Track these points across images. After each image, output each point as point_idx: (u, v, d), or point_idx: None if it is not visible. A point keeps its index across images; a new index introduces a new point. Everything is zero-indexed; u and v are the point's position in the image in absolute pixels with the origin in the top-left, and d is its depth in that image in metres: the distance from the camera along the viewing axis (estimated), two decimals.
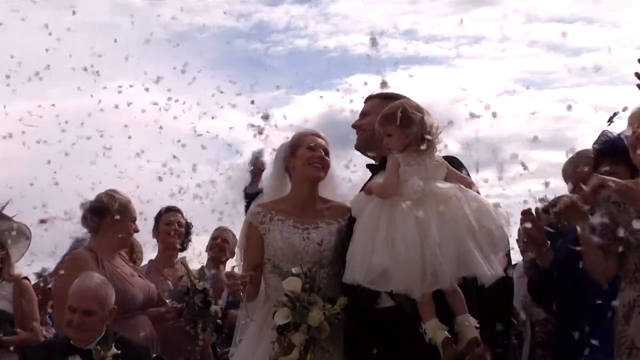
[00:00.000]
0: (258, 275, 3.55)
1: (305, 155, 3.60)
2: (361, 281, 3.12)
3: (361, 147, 3.78)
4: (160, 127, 4.81)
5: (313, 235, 3.52)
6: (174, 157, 4.72)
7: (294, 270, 3.27)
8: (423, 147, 3.28)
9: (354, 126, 3.82)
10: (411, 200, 3.16)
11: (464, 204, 3.18)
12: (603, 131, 3.71)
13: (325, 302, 3.23)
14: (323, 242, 3.48)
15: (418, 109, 3.34)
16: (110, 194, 4.59)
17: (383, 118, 3.36)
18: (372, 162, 3.77)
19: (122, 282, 4.32)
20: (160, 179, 4.76)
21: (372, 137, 3.59)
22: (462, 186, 3.30)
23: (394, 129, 3.31)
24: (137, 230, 4.68)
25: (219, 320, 4.67)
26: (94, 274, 4.06)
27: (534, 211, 3.51)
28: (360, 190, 3.61)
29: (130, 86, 4.86)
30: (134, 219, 4.64)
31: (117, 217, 4.49)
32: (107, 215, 4.52)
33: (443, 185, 3.24)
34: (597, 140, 3.75)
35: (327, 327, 3.18)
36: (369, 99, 3.86)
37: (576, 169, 4.04)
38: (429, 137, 3.29)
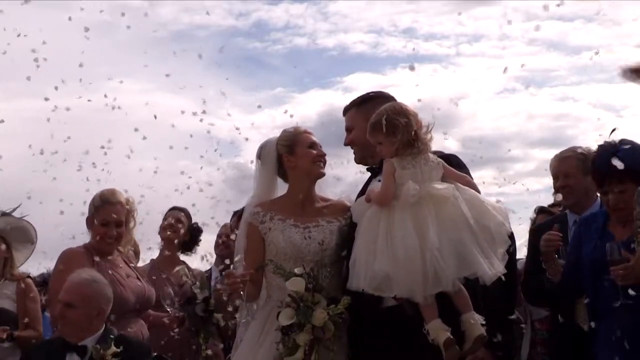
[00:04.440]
0: (260, 275, 3.55)
1: (310, 154, 3.62)
2: (365, 288, 3.14)
3: (361, 162, 3.80)
4: (160, 127, 4.80)
5: (314, 233, 3.53)
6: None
7: (296, 270, 3.28)
8: (415, 150, 3.28)
9: (346, 144, 3.83)
10: (408, 204, 3.17)
11: (461, 203, 3.20)
12: (600, 146, 3.73)
13: (328, 302, 3.24)
14: (324, 242, 3.47)
15: (402, 112, 3.31)
16: (101, 192, 4.55)
17: (371, 128, 3.37)
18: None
19: (113, 283, 4.26)
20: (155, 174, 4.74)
21: (366, 148, 3.62)
22: (460, 185, 3.30)
23: (381, 137, 3.32)
24: (105, 234, 4.46)
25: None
26: (91, 271, 4.08)
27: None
28: (360, 192, 3.62)
29: (120, 83, 4.84)
30: (104, 222, 4.45)
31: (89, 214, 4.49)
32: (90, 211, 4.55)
33: (439, 186, 3.25)
34: (596, 154, 3.75)
35: (331, 327, 3.20)
36: (346, 111, 3.86)
37: (559, 161, 4.19)
38: (416, 139, 3.29)
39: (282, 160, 3.67)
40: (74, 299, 3.83)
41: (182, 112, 4.49)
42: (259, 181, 3.76)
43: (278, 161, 3.68)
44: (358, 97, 3.83)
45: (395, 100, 3.64)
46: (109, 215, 4.48)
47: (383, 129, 3.28)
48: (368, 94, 3.84)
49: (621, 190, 3.59)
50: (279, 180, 3.76)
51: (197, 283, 4.81)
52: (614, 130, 3.72)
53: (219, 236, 5.79)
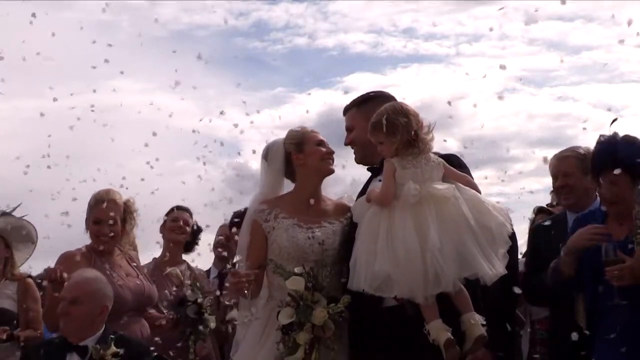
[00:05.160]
0: (262, 273, 3.55)
1: (319, 151, 3.64)
2: (366, 288, 3.13)
3: (361, 161, 3.81)
4: (158, 126, 4.79)
5: (317, 234, 3.52)
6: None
7: (296, 269, 3.28)
8: (415, 150, 3.28)
9: (347, 144, 3.84)
10: (409, 204, 3.17)
11: (462, 203, 3.20)
12: (600, 136, 3.71)
13: (328, 301, 3.24)
14: (325, 242, 3.47)
15: (403, 112, 3.31)
16: (97, 191, 4.58)
17: (371, 127, 3.37)
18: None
19: (111, 282, 4.26)
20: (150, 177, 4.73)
21: (367, 148, 3.62)
22: (461, 185, 3.30)
23: (382, 137, 3.32)
24: (99, 232, 4.52)
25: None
26: (92, 270, 4.10)
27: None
28: (360, 192, 3.62)
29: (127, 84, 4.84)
30: (96, 220, 4.51)
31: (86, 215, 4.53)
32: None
33: (440, 186, 3.24)
34: (595, 147, 3.72)
35: (331, 326, 3.20)
36: (346, 111, 3.87)
37: (558, 160, 4.18)
38: (417, 139, 3.29)
39: (291, 159, 3.67)
40: (80, 295, 3.83)
41: (183, 112, 4.49)
42: (265, 181, 3.76)
43: (286, 160, 3.69)
44: (358, 97, 3.84)
45: (395, 100, 3.65)
46: (100, 213, 4.51)
47: (383, 128, 3.28)
48: (368, 93, 3.84)
49: (613, 181, 3.54)
50: (286, 181, 3.75)
51: (190, 284, 4.80)
52: (614, 120, 3.69)
53: (218, 236, 5.79)
